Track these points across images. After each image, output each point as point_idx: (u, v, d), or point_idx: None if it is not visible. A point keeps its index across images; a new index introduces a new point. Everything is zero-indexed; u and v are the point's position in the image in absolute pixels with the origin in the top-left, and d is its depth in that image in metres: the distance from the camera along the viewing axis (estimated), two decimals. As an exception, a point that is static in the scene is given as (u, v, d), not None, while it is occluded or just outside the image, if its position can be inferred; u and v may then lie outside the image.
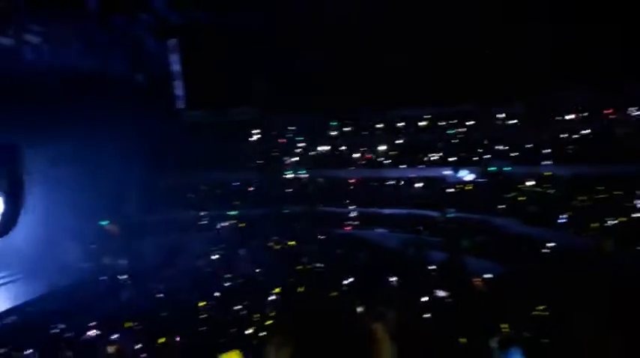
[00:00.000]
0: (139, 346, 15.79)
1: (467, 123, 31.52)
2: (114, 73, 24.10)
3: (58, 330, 17.82)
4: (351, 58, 23.25)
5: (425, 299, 17.45)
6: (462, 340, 12.40)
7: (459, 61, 22.24)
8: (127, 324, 17.46)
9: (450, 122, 32.12)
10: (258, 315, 17.41)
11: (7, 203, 20.50)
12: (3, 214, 20.68)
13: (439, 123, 32.55)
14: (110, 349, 15.15)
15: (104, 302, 21.42)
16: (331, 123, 34.89)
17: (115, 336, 16.64)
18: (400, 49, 21.61)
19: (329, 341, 0.98)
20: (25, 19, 16.90)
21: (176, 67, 20.89)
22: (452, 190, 30.24)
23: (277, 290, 20.54)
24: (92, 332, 17.17)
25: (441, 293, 18.83)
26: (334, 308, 1.16)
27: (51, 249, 27.50)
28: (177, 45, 20.23)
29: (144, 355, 14.54)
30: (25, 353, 15.44)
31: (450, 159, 31.04)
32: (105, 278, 24.96)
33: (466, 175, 29.60)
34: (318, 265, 24.79)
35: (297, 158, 35.65)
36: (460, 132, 31.89)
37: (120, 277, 24.71)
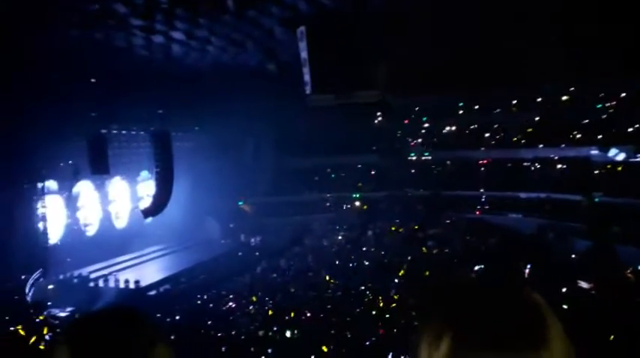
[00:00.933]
0: (271, 314, 16.89)
1: (620, 95, 27.71)
2: (248, 64, 25.74)
3: (200, 301, 19.77)
4: (482, 32, 21.76)
5: (565, 290, 16.04)
6: (610, 337, 11.16)
7: (605, 26, 19.54)
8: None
9: (599, 95, 28.56)
10: (382, 297, 17.47)
11: (158, 186, 23.28)
12: (155, 196, 23.56)
13: (585, 97, 29.13)
14: (244, 320, 16.33)
15: (240, 276, 23.21)
16: (459, 103, 33.25)
17: (250, 308, 18.00)
18: (538, 21, 19.67)
19: (493, 324, 0.82)
20: (171, 17, 18.66)
21: (304, 53, 21.48)
22: (599, 172, 27.03)
23: (401, 273, 20.42)
24: (230, 304, 18.74)
25: (584, 285, 17.18)
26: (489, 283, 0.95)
27: (197, 227, 30.59)
28: (304, 32, 20.78)
29: (275, 328, 15.42)
30: (176, 318, 17.39)
31: (598, 137, 27.69)
32: (240, 254, 27.05)
33: (617, 155, 26.13)
34: (444, 250, 24.09)
35: (422, 139, 34.74)
36: (610, 107, 28.21)
37: (254, 253, 26.62)
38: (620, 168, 26.33)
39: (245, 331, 15.36)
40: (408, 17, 19.73)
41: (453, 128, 34.29)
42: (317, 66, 21.33)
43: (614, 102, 27.83)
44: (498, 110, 32.47)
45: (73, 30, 17.95)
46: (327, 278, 21.01)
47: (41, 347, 12.49)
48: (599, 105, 28.36)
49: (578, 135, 29.18)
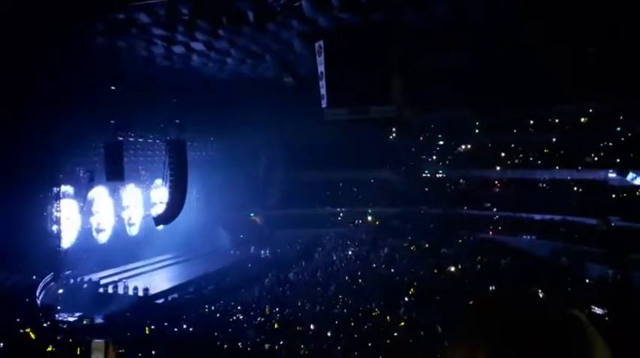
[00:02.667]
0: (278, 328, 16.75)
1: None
2: (265, 77, 25.94)
3: (208, 311, 19.69)
4: (498, 50, 21.73)
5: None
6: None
7: (625, 47, 19.33)
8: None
9: (619, 117, 28.17)
10: (389, 316, 17.24)
11: (171, 194, 23.40)
12: (167, 204, 23.67)
13: (603, 119, 28.74)
14: (251, 332, 16.22)
15: (248, 288, 23.10)
16: (475, 122, 33.03)
17: (257, 320, 17.89)
18: (556, 41, 19.56)
19: (531, 343, 0.77)
20: (192, 29, 18.95)
21: (321, 67, 21.62)
22: (617, 195, 26.55)
23: (411, 291, 20.17)
24: (237, 316, 18.65)
25: (598, 311, 16.80)
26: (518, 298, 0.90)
27: (207, 237, 30.65)
28: (322, 46, 20.95)
29: (281, 342, 15.29)
30: (183, 327, 17.33)
31: (616, 160, 27.26)
32: (250, 265, 26.97)
33: (636, 178, 25.70)
34: (456, 269, 23.76)
35: (437, 156, 34.53)
36: (630, 130, 27.79)
37: (263, 265, 26.51)
38: (638, 193, 25.86)
39: (251, 343, 15.25)
40: (426, 35, 19.79)
41: (469, 146, 34.05)
42: (334, 80, 21.44)
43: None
44: (515, 130, 32.18)
45: (98, 38, 18.31)
46: (336, 293, 20.83)
47: (49, 349, 12.51)
48: (619, 128, 27.96)
49: (596, 158, 28.77)
